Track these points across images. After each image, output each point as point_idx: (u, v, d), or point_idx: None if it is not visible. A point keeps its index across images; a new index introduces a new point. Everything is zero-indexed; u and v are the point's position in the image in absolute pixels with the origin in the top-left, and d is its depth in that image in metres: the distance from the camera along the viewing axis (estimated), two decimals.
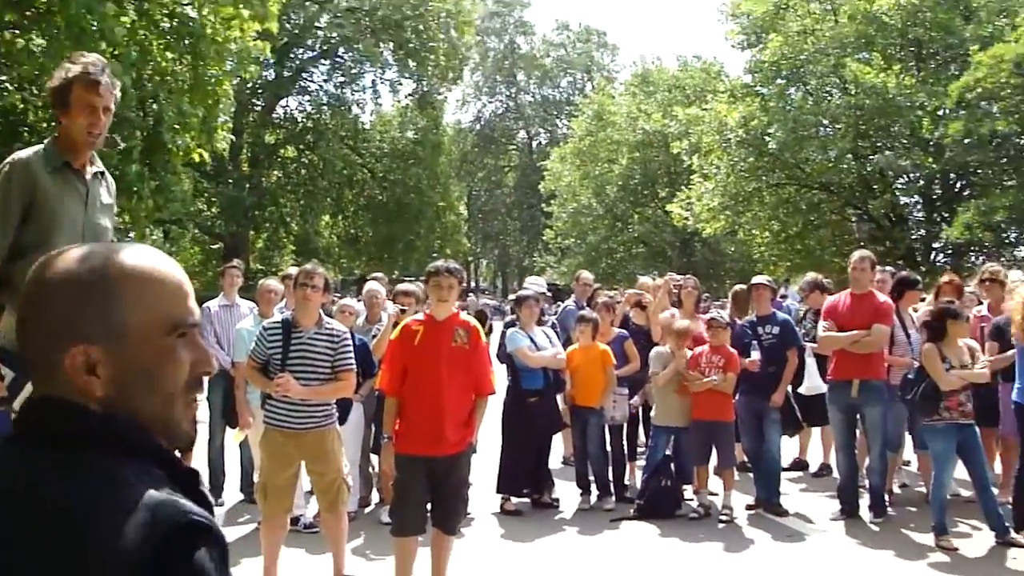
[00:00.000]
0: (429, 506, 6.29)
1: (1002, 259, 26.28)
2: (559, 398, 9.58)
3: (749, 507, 9.09)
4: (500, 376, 9.09)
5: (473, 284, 65.29)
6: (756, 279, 9.85)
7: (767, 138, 28.30)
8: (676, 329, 9.20)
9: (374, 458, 8.82)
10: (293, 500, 6.90)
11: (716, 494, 9.22)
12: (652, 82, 45.12)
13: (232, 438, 8.70)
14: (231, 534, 8.06)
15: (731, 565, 7.49)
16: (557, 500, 9.38)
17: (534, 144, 66.59)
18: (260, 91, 36.70)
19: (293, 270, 8.22)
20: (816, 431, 10.84)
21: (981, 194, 27.38)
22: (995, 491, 8.36)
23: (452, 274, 6.26)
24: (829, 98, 29.46)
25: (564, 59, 66.19)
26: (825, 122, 29.02)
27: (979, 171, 28.53)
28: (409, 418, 6.17)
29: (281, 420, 6.52)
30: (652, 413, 9.50)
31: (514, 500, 9.19)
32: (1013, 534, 7.82)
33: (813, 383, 9.50)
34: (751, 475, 9.52)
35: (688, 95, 39.79)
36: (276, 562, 6.60)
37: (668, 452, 9.18)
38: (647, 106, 41.49)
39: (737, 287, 11.20)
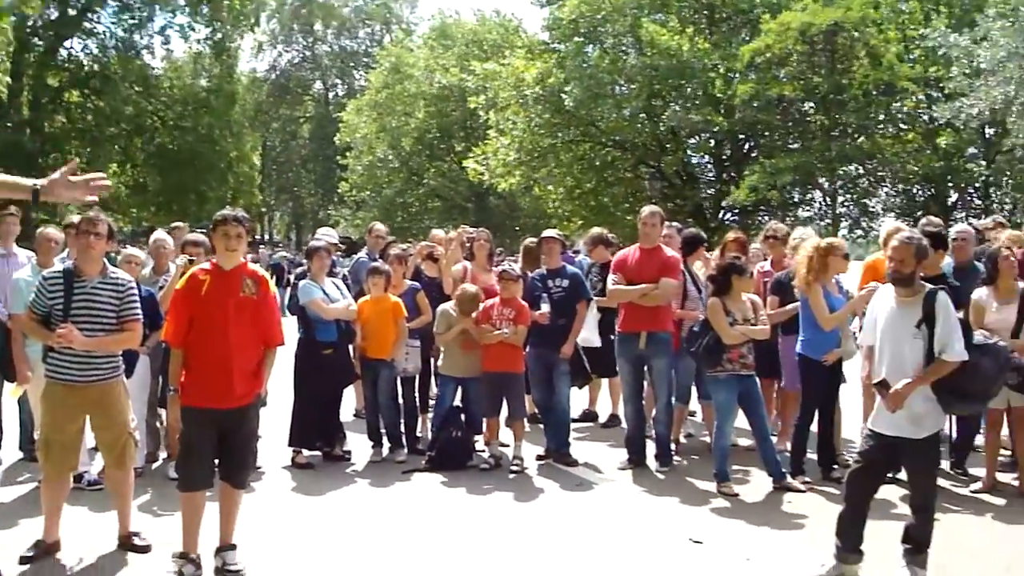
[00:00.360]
0: (217, 460, 6.07)
1: (787, 219, 27.40)
2: (350, 350, 9.39)
3: (539, 457, 9.16)
4: (291, 328, 8.92)
5: (267, 237, 63.91)
6: (546, 233, 9.89)
7: (563, 95, 28.59)
8: (460, 297, 9.14)
9: (161, 412, 8.46)
10: (78, 459, 6.54)
11: (507, 445, 9.25)
12: (450, 36, 44.92)
13: (10, 393, 8.28)
14: (8, 494, 7.66)
15: (521, 514, 7.52)
16: (349, 453, 9.25)
17: (331, 95, 65.41)
18: (41, 30, 34.75)
19: (76, 218, 7.75)
20: (605, 383, 11.01)
21: (767, 155, 28.47)
22: (774, 440, 8.67)
23: (240, 223, 6.00)
24: (625, 57, 29.97)
25: (362, 10, 65.05)
26: (621, 81, 29.52)
27: (766, 133, 29.65)
28: (195, 370, 5.91)
29: (64, 373, 6.18)
30: (438, 363, 9.45)
31: (305, 453, 9.02)
32: (789, 480, 8.14)
33: (589, 335, 9.66)
34: (541, 426, 9.59)
35: (486, 50, 39.76)
36: (57, 522, 6.30)
37: (458, 404, 9.16)
38: (445, 60, 41.31)
39: (528, 241, 11.23)
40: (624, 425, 9.58)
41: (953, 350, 5.70)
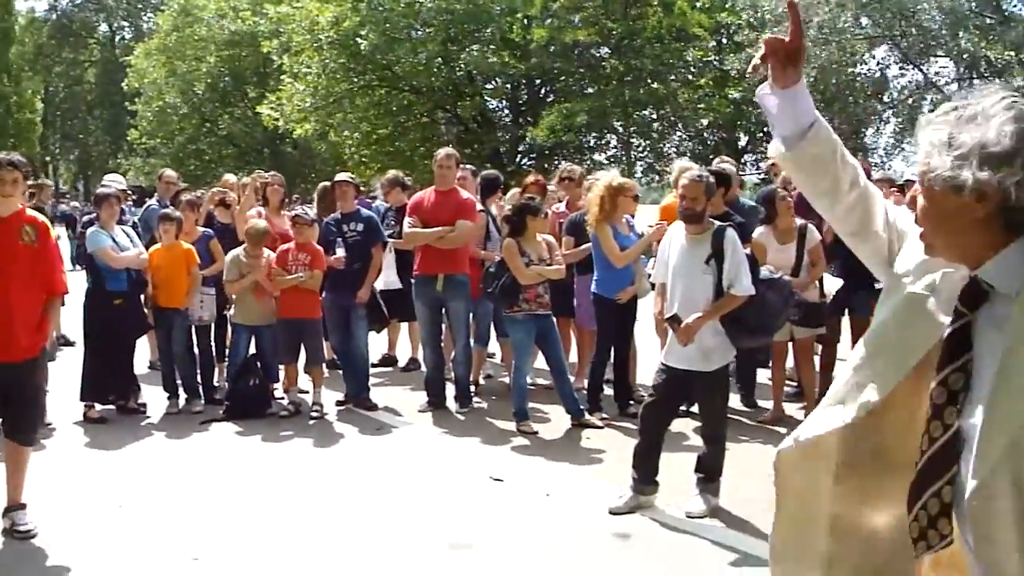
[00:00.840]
0: (1, 417, 5.82)
1: (584, 162, 27.85)
2: (142, 299, 9.09)
3: (339, 403, 9.12)
4: (81, 280, 8.57)
5: (53, 187, 60.78)
6: (339, 176, 9.74)
7: (359, 40, 28.18)
8: (249, 232, 8.97)
9: None
10: None
11: (306, 392, 9.16)
12: None
13: None
14: None
15: (321, 460, 7.47)
16: (144, 406, 8.97)
17: (117, 39, 62.57)
18: None
19: None
20: (404, 326, 11.02)
21: (563, 100, 28.84)
22: (571, 378, 8.85)
23: (15, 167, 5.72)
24: (421, 1, 29.75)
25: None
26: (417, 25, 29.28)
27: (562, 78, 29.99)
28: None
29: None
30: (230, 312, 9.27)
31: (98, 407, 8.69)
32: (587, 416, 8.33)
33: (389, 278, 9.69)
34: (340, 372, 9.53)
35: None
36: None
37: (253, 352, 9.02)
38: (236, 2, 39.99)
39: (322, 185, 11.04)
40: (423, 368, 9.61)
41: (741, 285, 5.92)
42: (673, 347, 6.08)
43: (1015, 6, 25.12)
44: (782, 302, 6.35)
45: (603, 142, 32.43)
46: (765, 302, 6.15)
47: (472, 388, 9.32)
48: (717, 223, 6.13)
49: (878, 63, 27.21)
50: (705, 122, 30.78)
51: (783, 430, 8.15)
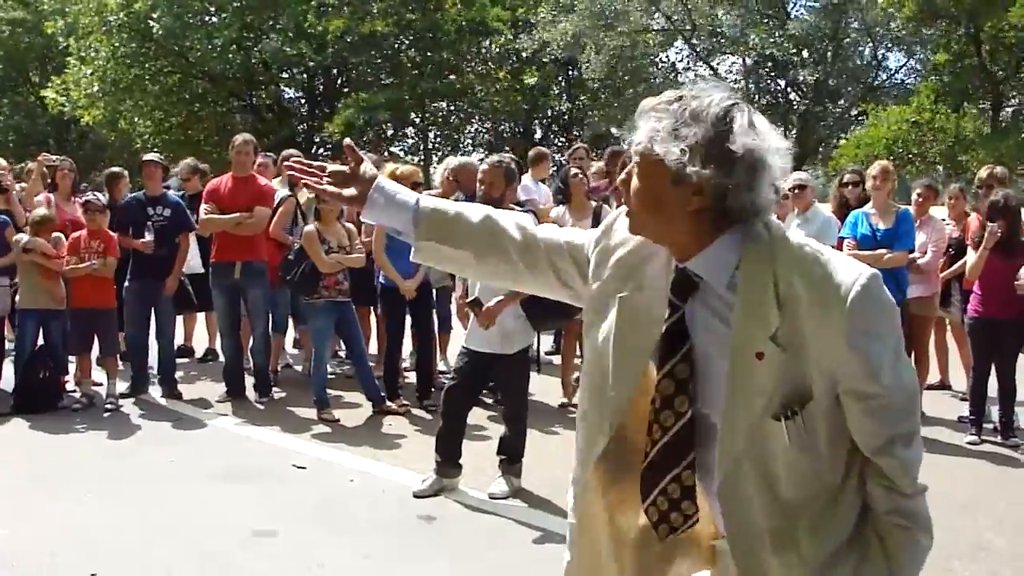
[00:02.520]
0: None
1: (381, 153, 27.74)
2: None
3: (123, 395, 8.88)
4: None
5: None
6: (147, 156, 9.47)
7: (151, 23, 27.36)
8: (33, 219, 8.68)
9: None
10: None
11: (100, 384, 8.92)
12: None
13: None
14: None
15: (118, 452, 7.32)
16: None
17: None
18: None
19: None
20: (201, 316, 10.85)
21: (360, 90, 28.74)
22: (372, 365, 8.92)
23: None
24: None
25: None
26: (212, 10, 28.66)
27: (359, 68, 29.86)
28: None
29: None
30: (16, 297, 8.90)
31: None
32: (388, 403, 8.42)
33: (192, 263, 9.60)
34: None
35: None
36: None
37: (42, 343, 8.71)
38: None
39: (108, 171, 10.60)
40: (221, 358, 9.49)
41: None
42: (474, 330, 6.21)
43: (798, 8, 26.37)
44: None
45: (400, 133, 32.46)
46: None
47: (272, 376, 9.26)
48: (517, 209, 6.28)
49: (668, 56, 28.21)
50: (501, 114, 31.22)
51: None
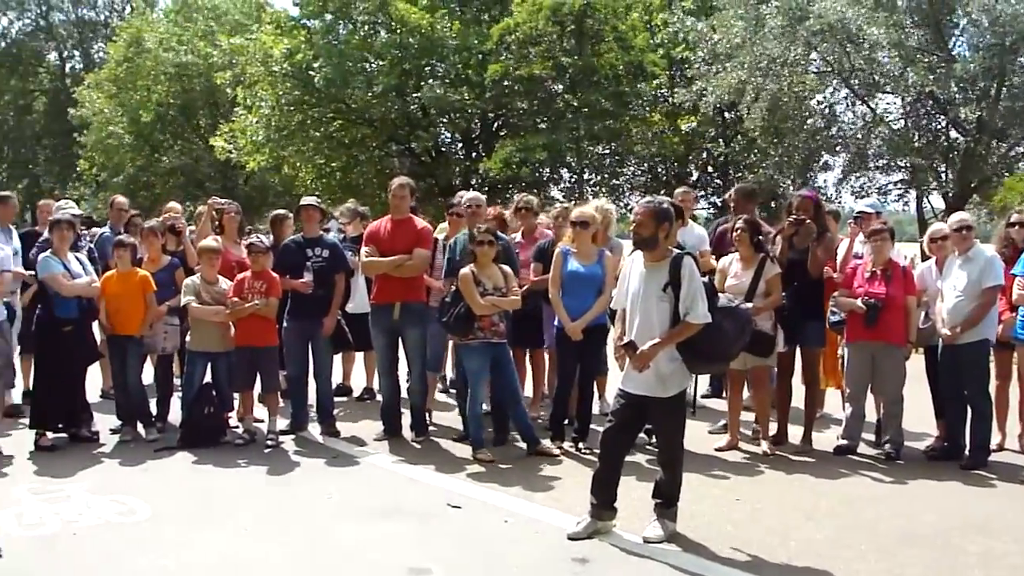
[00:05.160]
0: None
1: (539, 195, 27.86)
2: (95, 327, 9.01)
3: (284, 432, 9.04)
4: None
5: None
6: (305, 200, 9.65)
7: (312, 72, 28.21)
8: (202, 250, 8.99)
9: None
10: None
11: (261, 420, 9.10)
12: (197, 8, 43.25)
13: None
14: None
15: (278, 488, 7.46)
16: (96, 434, 8.88)
17: (67, 68, 61.93)
18: None
19: None
20: (359, 355, 11.01)
21: (516, 134, 29.01)
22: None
23: None
24: (376, 35, 29.86)
25: None
26: (371, 59, 29.37)
27: (515, 112, 30.16)
28: None
29: None
30: (187, 339, 9.20)
31: (50, 435, 8.60)
32: (547, 444, 8.40)
33: (359, 302, 9.89)
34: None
35: (231, 26, 38.52)
36: None
37: (208, 380, 8.95)
38: (187, 34, 39.81)
39: (275, 213, 10.85)
40: (379, 398, 9.59)
41: (697, 313, 5.95)
42: (630, 373, 6.13)
43: (961, 45, 25.55)
44: (738, 331, 6.38)
45: (556, 176, 32.60)
46: (721, 330, 6.15)
47: (427, 415, 9.32)
48: (675, 251, 6.19)
49: (826, 97, 27.65)
50: (657, 157, 31.15)
51: (736, 458, 8.30)
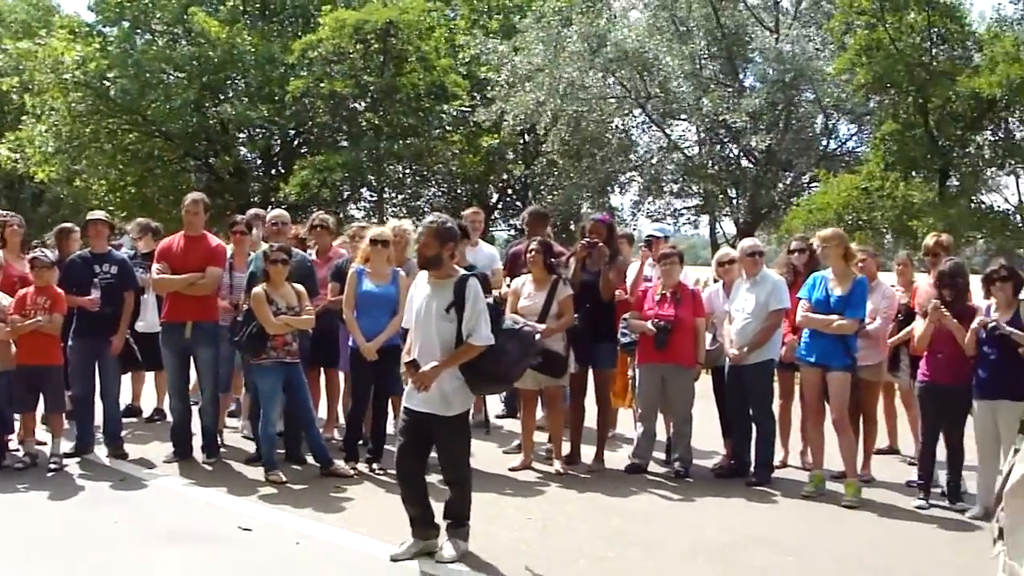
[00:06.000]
0: None
1: (339, 215, 27.64)
2: None
3: (68, 455, 8.73)
4: None
5: None
6: (93, 214, 9.39)
7: (107, 82, 27.34)
8: None
9: None
10: None
11: (44, 443, 8.79)
12: None
13: None
14: None
15: (61, 512, 7.24)
16: None
17: None
18: None
19: None
20: (150, 375, 10.75)
21: (317, 152, 28.83)
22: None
23: None
24: (175, 46, 29.20)
25: None
26: (170, 70, 28.70)
27: (316, 130, 29.98)
28: None
29: None
30: None
31: None
32: (341, 465, 8.40)
33: (150, 320, 9.67)
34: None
35: (16, 30, 36.69)
36: None
37: None
38: None
39: (60, 226, 10.41)
40: (169, 418, 9.38)
41: (479, 335, 6.04)
42: (413, 391, 6.18)
43: (751, 78, 26.89)
44: (521, 352, 6.44)
45: (357, 195, 32.52)
46: (504, 352, 6.22)
47: (219, 436, 9.18)
48: (462, 271, 6.28)
49: (624, 122, 28.54)
50: (458, 178, 31.48)
51: (530, 478, 8.47)
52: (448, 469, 6.43)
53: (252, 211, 9.97)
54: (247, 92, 28.85)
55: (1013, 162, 22.63)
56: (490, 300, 6.34)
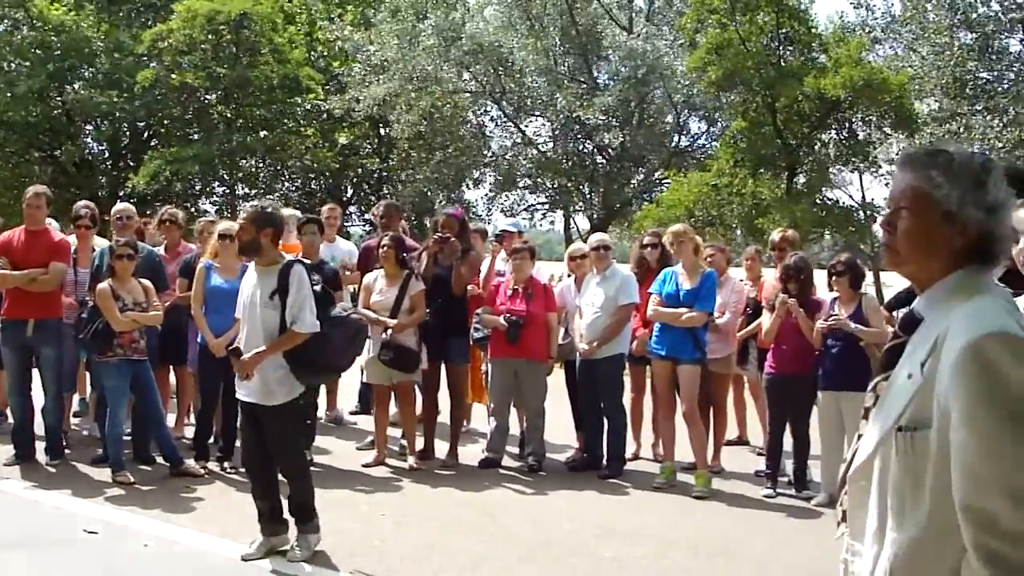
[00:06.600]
0: None
1: (189, 209, 27.05)
2: None
3: None
4: None
5: None
6: None
7: None
8: None
9: None
10: None
11: None
12: None
13: None
14: None
15: None
16: None
17: None
18: None
19: None
20: None
21: (167, 144, 28.20)
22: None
23: None
24: (15, 32, 28.16)
25: None
26: (11, 57, 27.69)
27: (166, 121, 29.32)
28: None
29: None
30: None
31: None
32: (191, 464, 8.26)
33: None
34: None
35: None
36: None
37: None
38: None
39: None
40: (10, 420, 9.03)
41: (303, 322, 5.99)
42: (240, 380, 6.13)
43: (605, 75, 27.32)
44: (347, 341, 6.44)
45: (209, 189, 31.88)
46: (329, 340, 6.19)
47: (64, 438, 8.89)
48: (288, 258, 6.24)
49: (477, 116, 28.71)
50: (311, 172, 31.18)
51: (383, 474, 8.47)
52: (280, 459, 6.25)
53: (82, 203, 9.65)
54: (94, 81, 27.99)
55: (856, 160, 23.48)
56: (318, 288, 6.28)
